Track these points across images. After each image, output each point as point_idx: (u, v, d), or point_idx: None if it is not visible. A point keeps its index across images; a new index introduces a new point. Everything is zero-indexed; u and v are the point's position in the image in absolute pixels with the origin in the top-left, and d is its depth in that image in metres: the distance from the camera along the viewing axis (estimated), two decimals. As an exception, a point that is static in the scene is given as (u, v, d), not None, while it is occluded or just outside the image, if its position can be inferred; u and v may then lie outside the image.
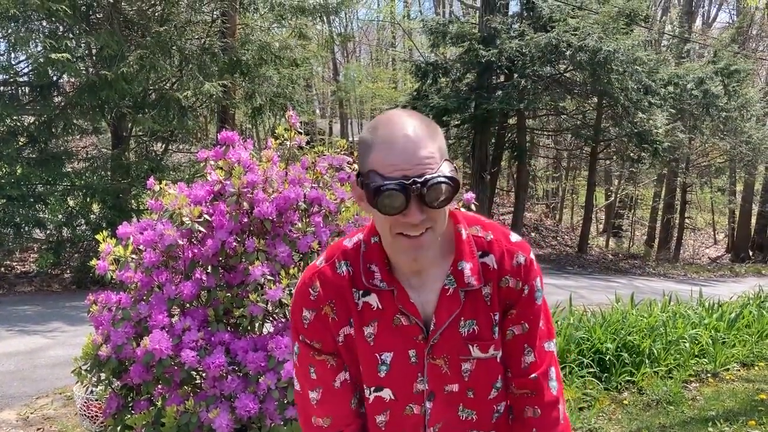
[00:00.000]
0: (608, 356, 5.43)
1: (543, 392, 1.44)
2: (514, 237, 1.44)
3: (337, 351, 1.42)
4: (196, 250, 3.03)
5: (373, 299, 1.38)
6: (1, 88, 10.77)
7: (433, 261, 1.36)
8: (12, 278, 10.33)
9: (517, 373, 1.44)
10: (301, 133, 3.35)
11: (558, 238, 21.20)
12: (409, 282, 1.37)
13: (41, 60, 9.37)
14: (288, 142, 3.31)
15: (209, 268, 3.03)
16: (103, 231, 3.18)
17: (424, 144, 1.24)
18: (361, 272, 1.38)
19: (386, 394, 1.41)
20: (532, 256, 1.43)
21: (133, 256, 3.03)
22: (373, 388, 1.41)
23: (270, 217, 2.93)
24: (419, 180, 1.21)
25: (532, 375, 1.43)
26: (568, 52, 14.15)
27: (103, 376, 3.08)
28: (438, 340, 1.37)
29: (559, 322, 5.69)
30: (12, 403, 5.08)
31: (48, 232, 10.63)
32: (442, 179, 1.22)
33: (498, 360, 1.42)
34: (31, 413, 4.89)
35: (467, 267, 1.37)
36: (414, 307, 1.36)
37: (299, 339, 1.43)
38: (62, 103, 10.97)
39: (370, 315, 1.38)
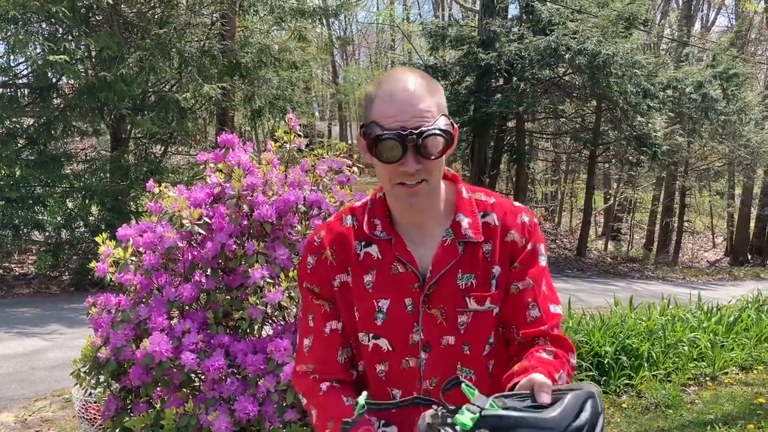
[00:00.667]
0: (607, 360, 5.43)
1: (557, 338, 1.43)
2: (517, 203, 1.52)
3: (333, 297, 1.48)
4: (195, 253, 3.03)
5: (373, 249, 1.45)
6: (1, 90, 10.77)
7: (433, 217, 1.44)
8: (10, 280, 10.31)
9: (524, 327, 1.43)
10: (300, 136, 3.35)
11: (557, 242, 21.20)
12: (410, 235, 1.44)
13: (40, 62, 9.37)
14: (288, 145, 3.31)
15: (209, 270, 3.03)
16: (102, 233, 3.18)
17: (422, 98, 1.33)
18: (364, 224, 1.47)
19: (383, 343, 1.44)
20: (536, 220, 1.50)
21: (133, 258, 3.03)
22: (371, 335, 1.44)
23: (270, 220, 2.93)
24: (415, 131, 1.30)
25: (541, 327, 1.43)
26: (567, 56, 14.18)
27: (102, 378, 3.07)
28: (434, 289, 1.41)
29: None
30: (10, 406, 5.08)
31: (47, 234, 10.62)
32: (437, 132, 1.32)
33: (494, 314, 1.43)
34: (30, 415, 4.88)
35: (465, 221, 1.44)
36: (410, 255, 1.42)
37: (303, 286, 1.51)
38: (61, 105, 10.97)
39: (370, 264, 1.45)
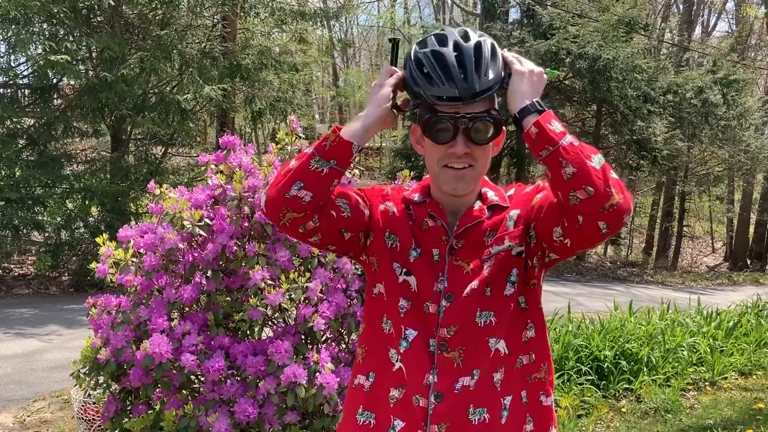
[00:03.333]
0: (606, 364, 5.42)
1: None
2: None
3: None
4: (196, 254, 3.03)
5: (410, 211, 1.57)
6: (1, 90, 10.78)
7: (467, 197, 1.54)
8: (10, 281, 10.30)
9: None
10: (301, 138, 3.35)
11: (556, 245, 21.16)
12: (444, 202, 1.54)
13: (41, 62, 9.36)
14: (289, 147, 3.31)
15: (209, 272, 3.03)
16: (102, 234, 3.18)
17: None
18: (409, 197, 1.59)
19: (412, 281, 1.51)
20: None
21: (134, 259, 3.03)
22: (404, 270, 1.52)
23: (270, 222, 2.92)
24: (468, 115, 1.39)
25: None
26: (567, 60, 14.20)
27: (101, 379, 3.07)
28: (462, 244, 1.51)
29: (557, 330, 5.69)
30: (9, 406, 5.07)
31: (46, 234, 10.61)
32: (488, 118, 1.40)
33: (513, 253, 1.49)
34: (28, 416, 4.87)
35: (491, 193, 1.56)
36: (441, 210, 1.53)
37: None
38: (62, 106, 10.97)
39: (408, 219, 1.56)
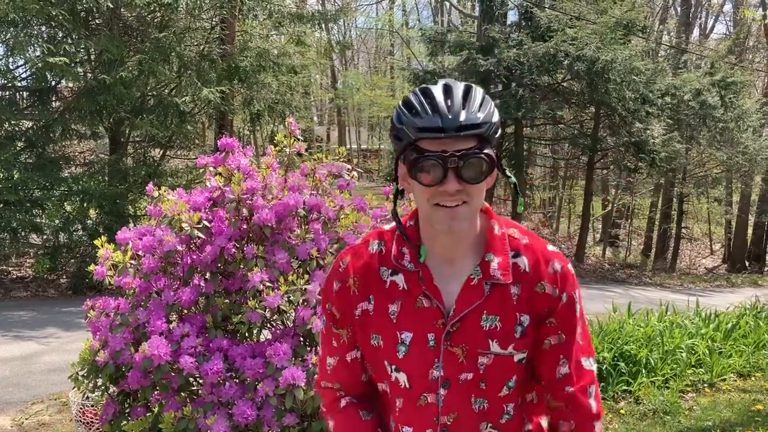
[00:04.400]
0: (605, 366, 5.43)
1: (580, 407, 1.44)
2: (551, 246, 1.47)
3: (352, 325, 1.48)
4: (194, 256, 3.03)
5: (399, 279, 1.43)
6: (0, 92, 10.77)
7: (464, 250, 1.41)
8: (8, 283, 10.29)
9: (553, 384, 1.45)
10: (300, 140, 3.36)
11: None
12: (439, 269, 1.41)
13: (40, 64, 9.37)
14: (287, 149, 3.32)
15: (208, 274, 3.03)
16: (100, 236, 3.18)
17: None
18: (392, 252, 1.44)
19: (402, 378, 1.42)
20: (569, 267, 1.44)
21: (132, 261, 3.03)
22: (394, 367, 1.43)
23: (269, 224, 2.93)
24: (457, 154, 1.28)
25: (568, 388, 1.43)
26: (565, 62, 14.21)
27: (100, 381, 3.07)
28: (458, 328, 1.39)
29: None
30: (7, 409, 5.06)
31: (45, 237, 10.61)
32: (480, 155, 1.30)
33: (515, 360, 1.41)
34: (26, 419, 4.87)
35: (495, 261, 1.40)
36: (437, 290, 1.40)
37: (326, 308, 1.52)
38: (60, 108, 10.97)
39: (396, 294, 1.42)
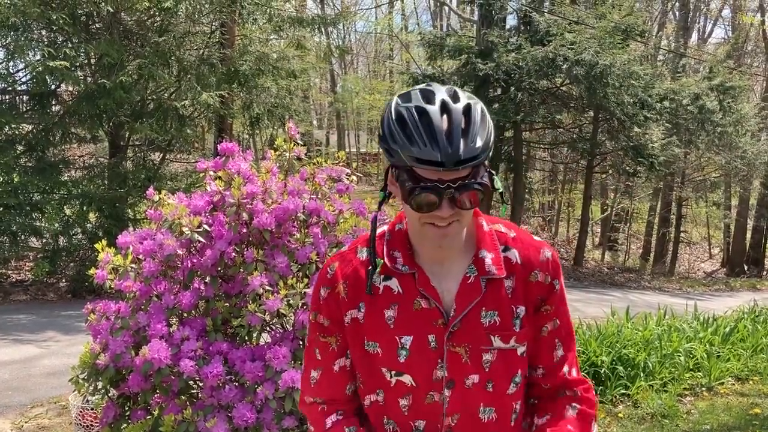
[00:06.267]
0: (603, 369, 5.44)
1: (577, 386, 1.49)
2: (536, 237, 1.50)
3: (342, 333, 1.46)
4: (195, 260, 3.04)
5: (393, 283, 1.41)
6: (0, 96, 10.79)
7: (455, 251, 1.40)
8: (7, 287, 10.30)
9: (550, 368, 1.47)
10: (299, 145, 3.37)
11: (554, 251, 21.16)
12: (432, 269, 1.41)
13: (40, 68, 9.39)
14: (287, 154, 3.34)
15: (208, 278, 3.04)
16: (100, 240, 3.19)
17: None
18: (384, 257, 1.42)
19: (407, 379, 1.41)
20: (556, 254, 1.48)
21: (133, 265, 3.04)
22: (394, 372, 1.42)
23: (269, 228, 2.94)
24: (453, 185, 1.26)
25: (565, 368, 1.47)
26: (564, 66, 14.23)
27: (100, 384, 3.08)
28: (459, 327, 1.39)
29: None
30: (6, 412, 5.07)
31: (44, 240, 10.61)
32: (476, 185, 1.28)
33: (519, 353, 1.43)
34: (26, 422, 4.88)
35: (489, 256, 1.41)
36: (434, 290, 1.39)
37: (313, 318, 1.49)
38: (60, 112, 11.00)
39: (391, 299, 1.41)
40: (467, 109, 1.29)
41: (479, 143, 1.26)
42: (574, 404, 1.47)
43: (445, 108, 1.28)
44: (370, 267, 1.42)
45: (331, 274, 1.46)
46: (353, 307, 1.43)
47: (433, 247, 1.36)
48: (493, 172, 1.36)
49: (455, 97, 1.30)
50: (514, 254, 1.43)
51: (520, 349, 1.43)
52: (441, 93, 1.30)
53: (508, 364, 1.42)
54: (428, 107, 1.27)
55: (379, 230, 1.47)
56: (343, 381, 1.49)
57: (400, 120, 1.28)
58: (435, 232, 1.32)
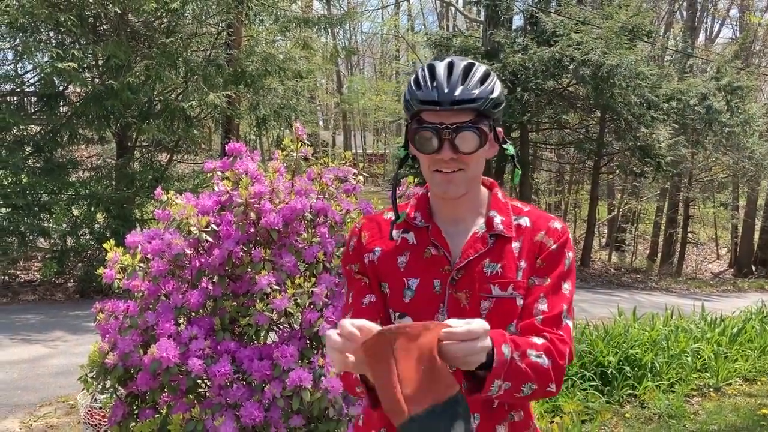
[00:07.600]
0: (610, 370, 5.43)
1: (547, 332, 1.45)
2: (552, 215, 1.61)
3: (367, 274, 1.59)
4: (203, 260, 3.06)
5: (410, 236, 1.57)
6: (8, 97, 10.85)
7: (470, 213, 1.55)
8: (16, 287, 10.35)
9: (527, 316, 1.48)
10: (306, 145, 3.39)
11: (560, 252, 21.10)
12: (447, 227, 1.55)
13: (48, 70, 9.44)
14: (294, 154, 3.35)
15: (216, 277, 3.06)
16: (108, 240, 3.21)
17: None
18: (408, 214, 1.59)
19: (409, 321, 1.46)
20: (568, 231, 1.57)
21: (141, 264, 3.06)
22: (398, 314, 1.53)
23: (276, 228, 2.95)
24: (451, 126, 1.42)
25: (539, 317, 1.46)
26: (571, 67, 14.21)
27: (108, 383, 3.10)
28: (462, 275, 1.50)
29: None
30: (15, 412, 5.10)
31: (52, 241, 10.66)
32: (473, 128, 1.42)
33: (517, 303, 1.49)
34: (35, 421, 4.91)
35: (499, 218, 1.55)
36: (444, 240, 1.53)
37: (346, 267, 1.64)
38: (68, 113, 11.05)
39: (406, 247, 1.56)
40: (470, 65, 1.48)
41: (476, 90, 1.43)
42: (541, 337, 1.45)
43: (450, 62, 1.48)
44: (392, 219, 1.58)
45: (359, 227, 1.63)
46: (370, 251, 1.59)
47: (441, 195, 1.50)
48: (507, 140, 1.55)
49: (464, 59, 1.50)
50: (526, 221, 1.55)
51: (519, 300, 1.49)
52: (454, 57, 1.50)
53: (505, 312, 1.48)
54: (437, 63, 1.48)
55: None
56: (372, 316, 1.52)
57: (415, 78, 1.49)
58: (441, 178, 1.47)
